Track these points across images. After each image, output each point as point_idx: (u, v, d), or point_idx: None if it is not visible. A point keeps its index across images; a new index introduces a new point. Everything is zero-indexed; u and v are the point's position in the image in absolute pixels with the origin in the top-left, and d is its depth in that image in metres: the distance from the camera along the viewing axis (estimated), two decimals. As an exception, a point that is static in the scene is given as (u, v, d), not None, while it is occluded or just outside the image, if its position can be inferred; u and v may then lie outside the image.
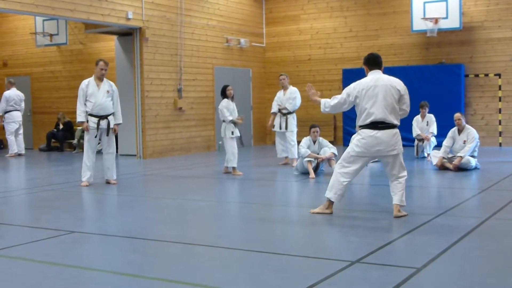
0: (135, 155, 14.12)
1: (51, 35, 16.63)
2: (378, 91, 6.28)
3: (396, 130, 6.36)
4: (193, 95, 15.09)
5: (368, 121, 6.30)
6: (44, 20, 16.41)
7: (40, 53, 17.74)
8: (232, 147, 10.44)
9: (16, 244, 5.52)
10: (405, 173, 6.47)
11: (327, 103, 6.56)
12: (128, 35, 14.35)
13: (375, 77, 6.39)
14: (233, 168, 10.47)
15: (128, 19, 13.38)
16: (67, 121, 16.64)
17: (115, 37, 15.01)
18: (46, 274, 4.55)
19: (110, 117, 9.42)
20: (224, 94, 10.62)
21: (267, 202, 7.50)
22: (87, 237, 5.82)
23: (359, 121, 6.41)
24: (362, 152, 6.36)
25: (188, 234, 6.00)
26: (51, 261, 4.88)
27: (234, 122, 10.51)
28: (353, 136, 6.63)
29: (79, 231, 6.02)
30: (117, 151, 15.17)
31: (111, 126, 9.42)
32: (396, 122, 6.35)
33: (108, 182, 9.50)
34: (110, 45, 16.17)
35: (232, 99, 10.64)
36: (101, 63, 9.31)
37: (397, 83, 6.41)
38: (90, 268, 4.65)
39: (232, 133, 10.49)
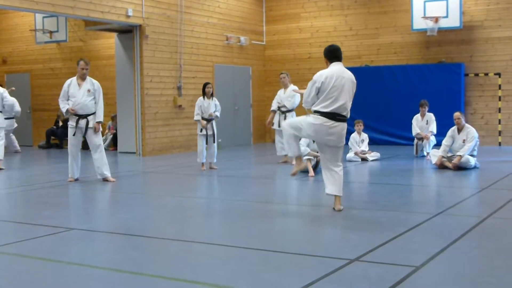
0: (134, 153, 14.13)
1: (51, 32, 16.63)
2: (344, 82, 6.48)
3: (346, 124, 6.63)
4: (193, 93, 15.07)
5: (330, 109, 6.43)
6: (44, 17, 16.40)
7: (40, 50, 17.74)
8: (199, 144, 10.92)
9: (15, 240, 5.52)
10: (341, 162, 6.78)
11: (305, 98, 6.66)
12: (128, 32, 14.35)
13: (340, 68, 6.58)
14: (202, 163, 10.95)
15: (128, 16, 13.37)
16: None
17: (115, 35, 15.01)
18: (45, 271, 4.55)
19: (90, 117, 9.41)
20: (203, 91, 10.91)
21: (266, 200, 7.50)
22: (86, 234, 5.82)
23: (319, 107, 6.46)
24: (313, 137, 6.65)
25: (188, 232, 6.00)
26: (50, 258, 4.88)
27: (205, 119, 10.79)
28: (306, 117, 6.67)
29: (78, 228, 6.02)
30: (116, 149, 15.24)
31: (90, 125, 9.39)
32: (348, 116, 6.61)
33: (105, 180, 9.47)
34: (110, 42, 16.17)
35: (211, 96, 10.88)
36: (81, 62, 9.38)
37: (354, 78, 6.65)
38: (90, 265, 4.65)
39: (201, 130, 10.83)
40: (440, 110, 13.71)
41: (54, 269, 4.59)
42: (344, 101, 6.44)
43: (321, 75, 6.49)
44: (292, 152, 6.80)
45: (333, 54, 6.65)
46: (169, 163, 12.04)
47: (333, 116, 6.44)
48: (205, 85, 10.92)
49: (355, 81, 6.63)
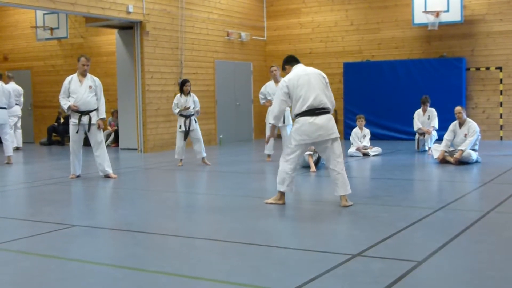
0: (136, 149, 14.14)
1: (51, 29, 16.61)
2: (310, 77, 6.60)
3: (331, 116, 6.66)
4: (193, 89, 14.95)
5: (304, 107, 6.54)
6: (44, 14, 16.38)
7: (41, 47, 17.72)
8: (177, 141, 10.94)
9: (17, 237, 5.53)
10: (342, 158, 6.72)
11: (273, 111, 6.77)
12: (128, 28, 14.34)
13: (302, 68, 6.75)
14: (180, 160, 10.96)
15: (129, 12, 13.35)
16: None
17: (115, 31, 14.99)
18: (48, 267, 4.56)
19: (92, 113, 9.39)
20: (181, 89, 11.02)
21: (267, 195, 7.49)
22: (88, 231, 5.82)
23: (295, 110, 6.62)
24: (304, 139, 6.59)
25: (189, 227, 6.01)
26: (52, 254, 4.89)
27: (184, 116, 10.83)
28: (292, 129, 6.79)
29: (80, 225, 6.03)
30: (117, 145, 15.25)
31: (93, 122, 9.38)
32: (330, 107, 6.64)
33: (107, 176, 9.46)
34: (110, 39, 16.15)
35: (189, 94, 10.97)
36: (82, 59, 9.38)
37: (322, 72, 6.77)
38: (91, 261, 4.66)
39: (180, 127, 10.91)
40: (441, 105, 13.70)
41: (56, 265, 4.60)
42: (316, 94, 6.53)
43: (284, 81, 6.65)
44: (285, 187, 6.76)
45: (292, 59, 6.90)
46: (171, 159, 12.03)
47: (312, 112, 6.53)
48: (184, 82, 11.05)
49: (323, 73, 6.76)
